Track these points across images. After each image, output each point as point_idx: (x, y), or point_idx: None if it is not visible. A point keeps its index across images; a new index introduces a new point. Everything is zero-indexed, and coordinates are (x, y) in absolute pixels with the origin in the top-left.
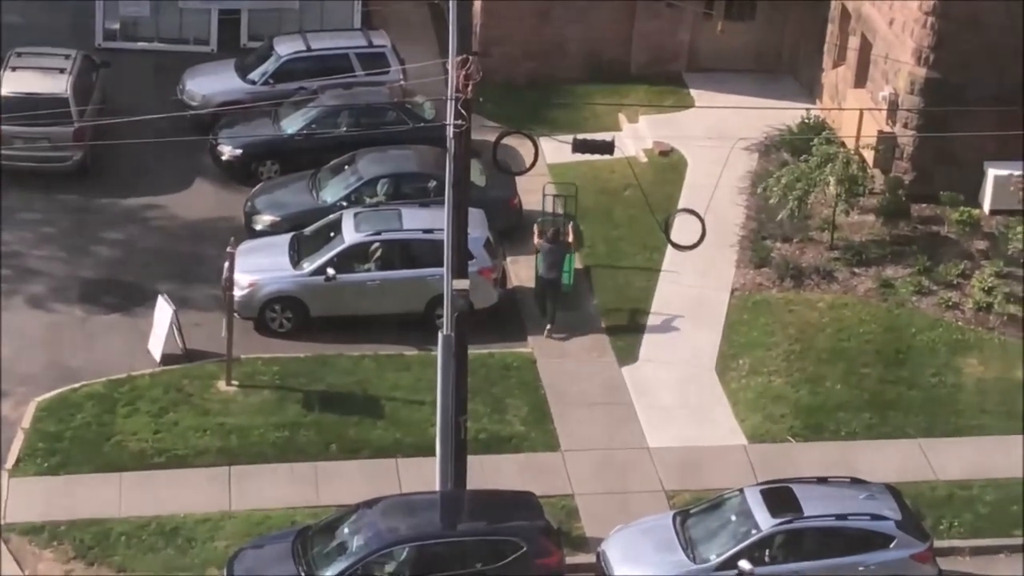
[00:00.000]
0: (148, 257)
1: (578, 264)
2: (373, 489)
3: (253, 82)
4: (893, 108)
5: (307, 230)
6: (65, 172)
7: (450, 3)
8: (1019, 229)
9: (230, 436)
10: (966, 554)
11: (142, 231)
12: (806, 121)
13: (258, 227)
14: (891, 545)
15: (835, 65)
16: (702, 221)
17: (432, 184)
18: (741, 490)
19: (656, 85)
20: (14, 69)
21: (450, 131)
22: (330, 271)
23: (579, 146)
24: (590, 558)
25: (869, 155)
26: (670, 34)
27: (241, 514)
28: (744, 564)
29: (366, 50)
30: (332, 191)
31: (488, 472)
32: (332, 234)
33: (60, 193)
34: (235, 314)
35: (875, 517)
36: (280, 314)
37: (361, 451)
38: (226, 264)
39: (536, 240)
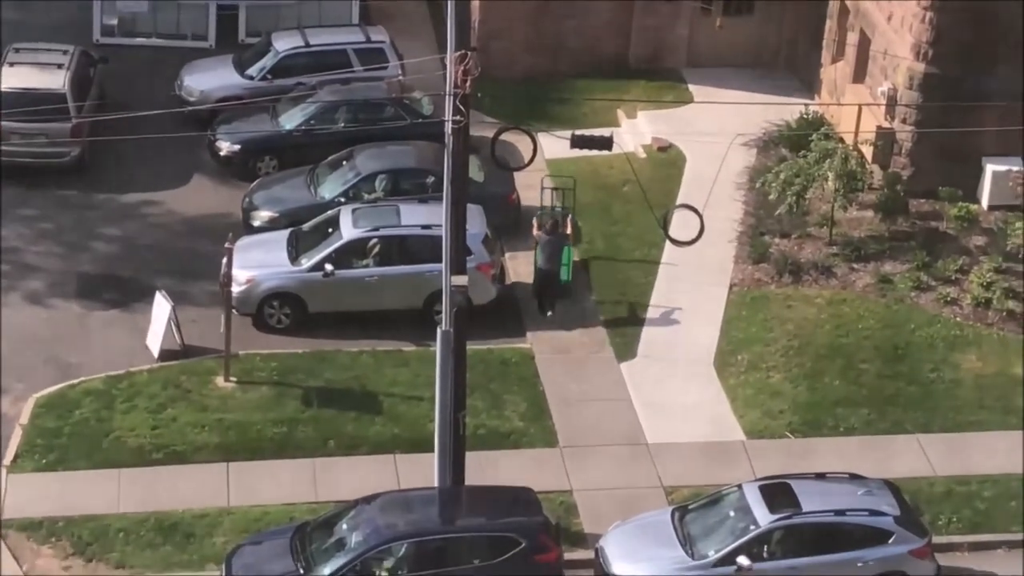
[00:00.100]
0: (146, 253)
1: (576, 257)
2: (371, 485)
3: (251, 78)
4: (892, 104)
5: (305, 226)
6: (63, 168)
7: None
8: (1018, 225)
9: (228, 432)
10: (965, 550)
11: (140, 227)
12: (805, 117)
13: (256, 223)
14: (889, 541)
15: (834, 60)
16: (700, 217)
17: (430, 180)
18: (739, 486)
19: (655, 81)
20: (12, 65)
21: (448, 127)
22: (328, 267)
23: (578, 142)
24: (588, 554)
25: (868, 151)
26: (669, 29)
27: (239, 510)
28: (742, 560)
29: (364, 46)
30: (330, 187)
31: (486, 468)
32: (330, 230)
33: (58, 189)
34: (233, 310)
35: (873, 513)
36: (278, 310)
37: (359, 447)
38: (224, 260)
39: (535, 232)
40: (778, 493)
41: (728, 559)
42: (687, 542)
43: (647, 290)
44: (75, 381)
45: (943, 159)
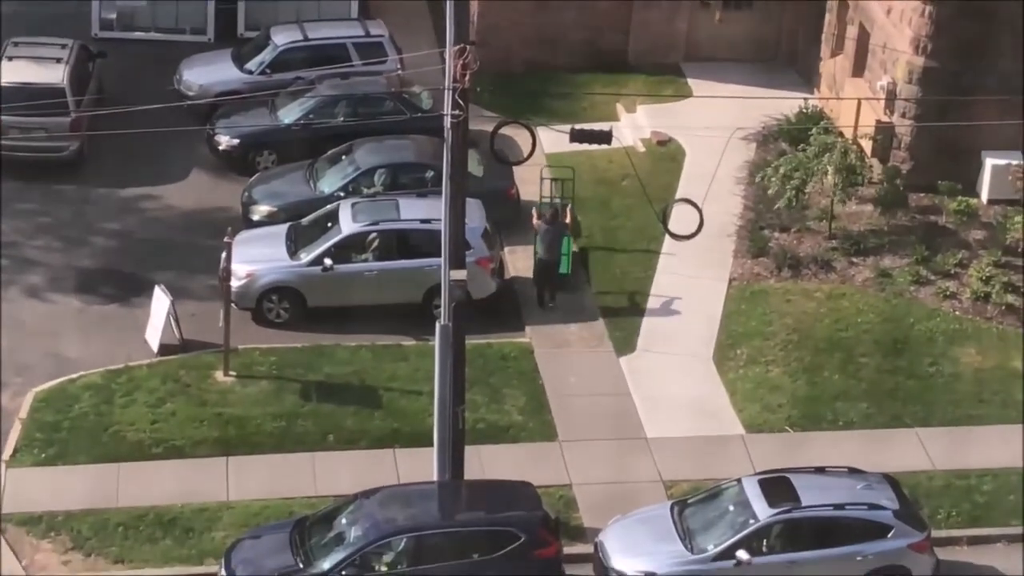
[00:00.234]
0: (145, 247)
1: (575, 248)
2: (371, 479)
3: (250, 72)
4: (891, 97)
5: (304, 220)
6: (62, 162)
7: None
8: (1017, 219)
9: (228, 426)
10: (964, 544)
11: (139, 221)
12: (804, 111)
13: (255, 217)
14: (889, 535)
15: (833, 54)
16: (700, 211)
17: (430, 174)
18: (739, 480)
19: (654, 75)
20: (11, 59)
21: (448, 121)
22: (327, 261)
23: (577, 136)
24: (588, 548)
25: (867, 145)
26: (668, 23)
27: (239, 504)
28: (742, 554)
29: (363, 40)
30: (329, 181)
31: (486, 462)
32: (329, 224)
33: (57, 183)
34: (232, 304)
35: (873, 507)
36: (277, 304)
37: (359, 441)
38: (223, 254)
39: (535, 222)
40: (777, 487)
41: (727, 553)
42: (686, 536)
43: (646, 284)
44: (74, 375)
45: (942, 153)
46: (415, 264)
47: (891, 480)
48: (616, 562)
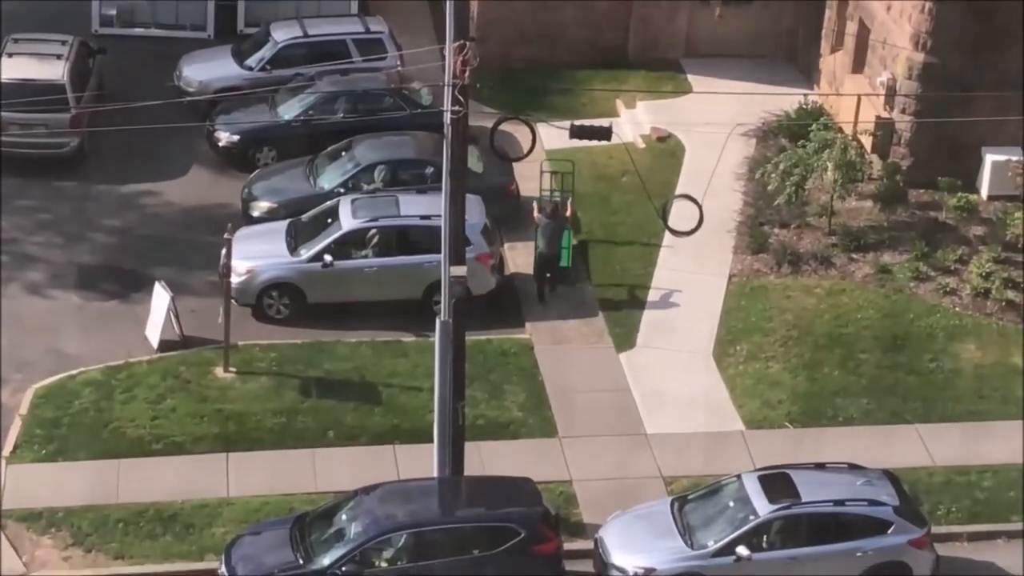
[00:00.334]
0: (145, 244)
1: (574, 242)
2: (371, 475)
3: (250, 68)
4: (891, 94)
5: (304, 216)
6: (62, 158)
7: None
8: (1017, 215)
9: (228, 422)
10: (964, 539)
11: (139, 217)
12: (804, 107)
13: (255, 213)
14: (889, 531)
15: (833, 51)
16: (700, 207)
17: (430, 170)
18: (739, 476)
19: (654, 71)
20: (11, 55)
21: (447, 117)
22: (327, 257)
23: (577, 132)
24: (588, 544)
25: (867, 141)
26: (668, 20)
27: (239, 501)
28: (742, 550)
29: (363, 36)
30: (329, 177)
31: (486, 458)
32: (329, 220)
33: (57, 179)
34: (232, 300)
35: (873, 503)
36: (277, 300)
37: (359, 437)
38: (223, 250)
39: (535, 215)
40: (777, 483)
41: (727, 549)
42: (686, 532)
43: (646, 280)
44: (74, 372)
45: (942, 149)
46: (415, 260)
47: (891, 476)
48: (616, 558)
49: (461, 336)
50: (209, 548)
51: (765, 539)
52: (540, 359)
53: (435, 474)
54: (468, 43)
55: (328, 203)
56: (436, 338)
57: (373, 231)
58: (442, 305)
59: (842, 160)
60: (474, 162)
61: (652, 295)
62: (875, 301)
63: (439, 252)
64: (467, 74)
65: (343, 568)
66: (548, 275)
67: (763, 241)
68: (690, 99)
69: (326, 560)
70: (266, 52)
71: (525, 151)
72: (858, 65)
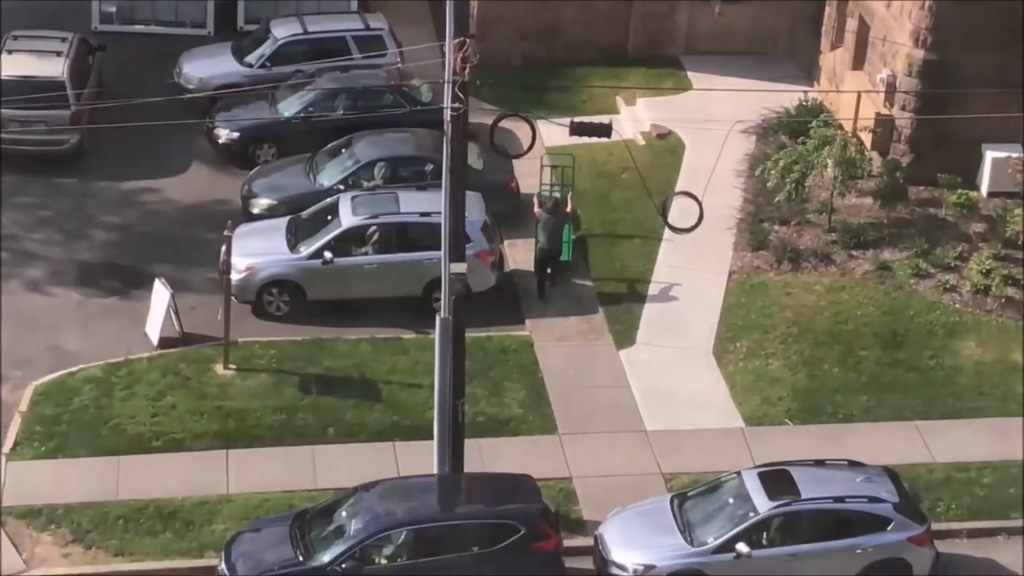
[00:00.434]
0: (145, 240)
1: (573, 236)
2: (371, 472)
3: (250, 65)
4: (891, 90)
5: (304, 213)
6: (62, 155)
7: None
8: (1017, 212)
9: (228, 419)
10: (964, 536)
11: (139, 214)
12: (804, 104)
13: (255, 210)
14: (888, 527)
15: (833, 47)
16: (700, 204)
17: (429, 167)
18: (739, 473)
19: (654, 67)
20: (11, 52)
21: (447, 114)
22: (327, 254)
23: (577, 129)
24: (588, 541)
25: (867, 137)
26: (668, 16)
27: (239, 497)
28: (742, 547)
29: (363, 33)
30: (329, 174)
31: (486, 455)
32: (329, 217)
33: (57, 176)
34: (232, 298)
35: (873, 500)
36: (277, 297)
37: (359, 434)
38: (223, 247)
39: (536, 210)
40: (777, 480)
41: (727, 546)
42: (686, 529)
43: (646, 277)
44: (74, 369)
45: (942, 146)
46: (415, 257)
47: (891, 473)
48: (616, 555)
49: (461, 333)
50: (209, 545)
51: (765, 536)
52: (540, 356)
53: (435, 471)
54: (468, 40)
55: (328, 200)
56: (436, 335)
57: (373, 228)
58: (442, 302)
59: (842, 157)
60: (474, 159)
61: (652, 292)
62: (875, 298)
63: (439, 249)
64: (467, 71)
65: (343, 565)
66: (549, 270)
67: (763, 238)
68: (690, 96)
69: (326, 557)
70: (266, 49)
71: (525, 148)
72: (858, 62)
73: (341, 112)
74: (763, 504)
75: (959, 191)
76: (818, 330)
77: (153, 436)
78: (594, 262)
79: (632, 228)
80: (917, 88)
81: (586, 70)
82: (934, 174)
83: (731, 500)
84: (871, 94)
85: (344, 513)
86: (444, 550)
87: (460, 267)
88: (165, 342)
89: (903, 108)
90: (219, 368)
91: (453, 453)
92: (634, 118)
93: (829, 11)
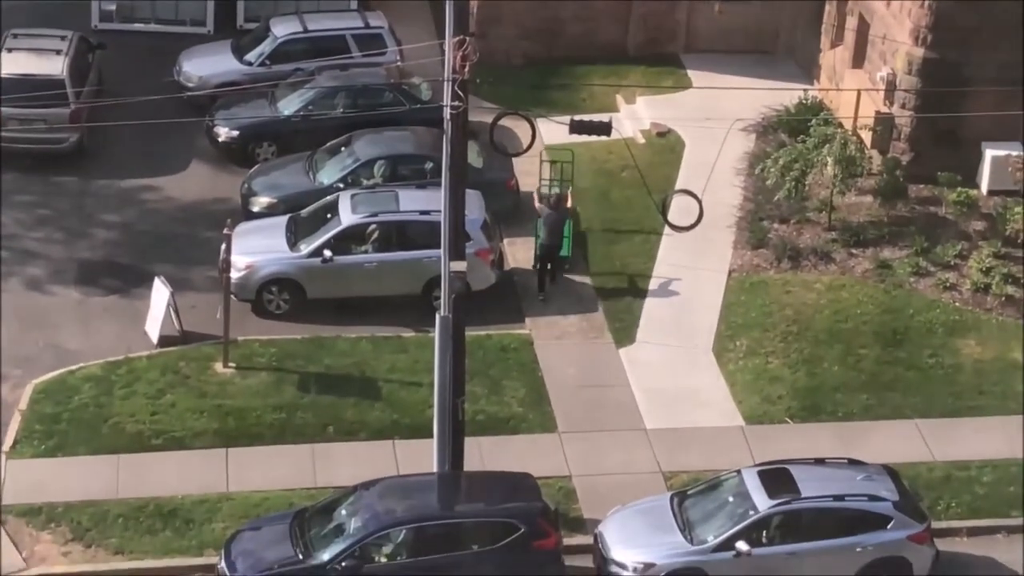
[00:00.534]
0: (145, 239)
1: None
2: (370, 471)
3: (250, 63)
4: (891, 88)
5: (304, 212)
6: (62, 154)
7: None
8: (1017, 210)
9: (227, 418)
10: (964, 535)
11: (139, 213)
12: (804, 102)
13: (255, 209)
14: (888, 526)
15: (833, 46)
16: (699, 202)
17: (429, 165)
18: (739, 471)
19: (654, 66)
20: (10, 50)
21: (447, 112)
22: (327, 253)
23: (576, 127)
24: (587, 539)
25: (867, 136)
26: (668, 14)
27: (238, 496)
28: (742, 545)
29: (363, 31)
30: (329, 172)
31: (485, 454)
32: (329, 216)
33: (57, 175)
34: (232, 296)
35: (873, 498)
36: (277, 296)
37: (358, 433)
38: (223, 246)
39: (537, 205)
40: (777, 478)
41: (727, 544)
42: (686, 527)
43: (646, 275)
44: (74, 367)
45: (942, 144)
46: (415, 255)
47: (891, 471)
48: (616, 553)
49: (461, 331)
50: (208, 543)
51: (765, 534)
52: (540, 354)
53: (435, 469)
54: (468, 38)
55: (328, 198)
56: (436, 333)
57: (373, 226)
58: (442, 300)
59: (842, 155)
60: (474, 157)
61: (652, 290)
62: (875, 296)
63: (439, 247)
64: (467, 69)
65: (343, 563)
66: (549, 265)
67: (763, 236)
68: (690, 94)
69: (325, 555)
70: (266, 47)
71: (525, 146)
72: (858, 60)
73: (341, 110)
74: (763, 502)
75: (959, 189)
76: (818, 328)
77: (153, 434)
78: (594, 260)
79: (632, 226)
80: (917, 86)
81: (586, 68)
82: (934, 172)
83: (731, 498)
84: (871, 92)
85: (344, 511)
86: (444, 548)
87: (460, 265)
88: (165, 340)
89: (903, 106)
90: (219, 366)
91: (453, 451)
92: (634, 116)
93: (829, 9)
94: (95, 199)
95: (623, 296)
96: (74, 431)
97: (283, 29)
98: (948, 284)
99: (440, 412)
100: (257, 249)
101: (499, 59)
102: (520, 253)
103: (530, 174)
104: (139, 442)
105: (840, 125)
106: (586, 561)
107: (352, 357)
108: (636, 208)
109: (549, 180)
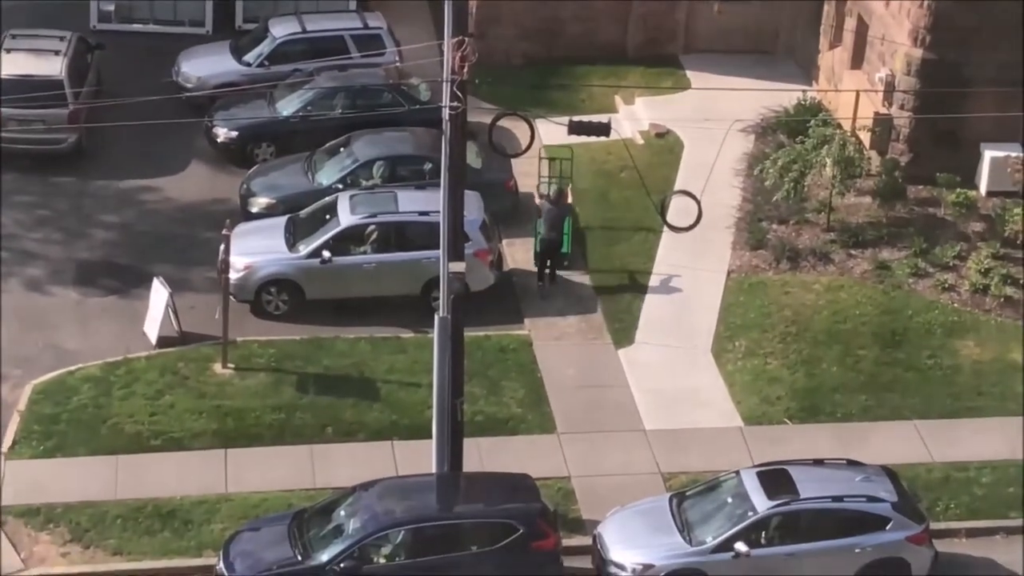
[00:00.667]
0: (144, 239)
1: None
2: (369, 472)
3: (248, 64)
4: (890, 89)
5: (303, 212)
6: (60, 154)
7: None
8: (1016, 211)
9: (226, 418)
10: (962, 536)
11: (138, 213)
12: (803, 103)
13: (254, 209)
14: (887, 527)
15: (832, 46)
16: (698, 203)
17: (428, 166)
18: (737, 472)
19: (653, 66)
20: (9, 51)
21: (446, 113)
22: (326, 254)
23: (575, 128)
24: (586, 540)
25: (866, 137)
26: (667, 15)
27: (237, 497)
28: (740, 546)
29: (362, 32)
30: (328, 173)
31: (484, 455)
32: (328, 216)
33: (56, 175)
34: (231, 297)
35: (871, 499)
36: (276, 296)
37: (357, 434)
38: (222, 246)
39: (538, 200)
40: (776, 479)
41: (726, 545)
42: (685, 528)
43: (645, 276)
44: (73, 368)
45: (941, 145)
46: (413, 256)
47: (890, 472)
48: (615, 554)
49: (460, 332)
50: (207, 544)
51: (764, 535)
52: (539, 355)
53: (433, 470)
54: (467, 39)
55: (327, 199)
56: (435, 334)
57: (371, 227)
58: (441, 301)
59: (841, 156)
60: (473, 158)
61: (650, 291)
62: (873, 297)
63: (437, 248)
64: (466, 70)
65: (341, 564)
66: (549, 261)
67: (762, 237)
68: (689, 95)
69: (324, 556)
70: (264, 48)
71: (524, 147)
72: (857, 61)
73: (340, 111)
74: (762, 503)
75: (958, 190)
76: (817, 329)
77: (152, 435)
78: (593, 261)
79: (631, 227)
80: (916, 87)
81: (585, 69)
82: (933, 173)
83: (730, 499)
84: (870, 93)
85: (343, 512)
86: (442, 549)
87: (459, 266)
88: (164, 341)
89: (902, 107)
90: (218, 367)
91: (452, 452)
92: (633, 117)
93: (828, 10)
94: (94, 200)
95: (622, 297)
96: (73, 432)
97: (282, 30)
98: (947, 285)
99: (439, 413)
100: (256, 250)
101: (498, 59)
102: (519, 254)
103: (529, 175)
104: (138, 443)
105: (839, 126)
106: (585, 562)
107: (351, 358)
108: (635, 209)
109: (548, 177)
